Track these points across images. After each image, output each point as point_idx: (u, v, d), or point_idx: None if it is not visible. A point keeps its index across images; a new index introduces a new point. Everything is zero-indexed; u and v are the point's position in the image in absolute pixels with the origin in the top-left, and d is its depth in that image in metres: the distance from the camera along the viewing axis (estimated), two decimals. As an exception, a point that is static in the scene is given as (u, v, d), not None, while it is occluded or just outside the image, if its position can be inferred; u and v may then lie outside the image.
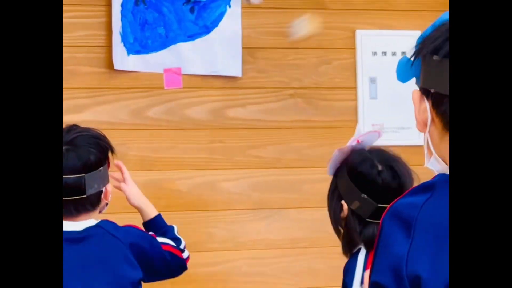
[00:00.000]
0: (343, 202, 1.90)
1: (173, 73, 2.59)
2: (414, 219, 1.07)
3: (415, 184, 1.90)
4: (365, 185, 1.87)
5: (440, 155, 1.13)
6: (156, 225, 2.20)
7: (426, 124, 1.14)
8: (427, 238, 1.08)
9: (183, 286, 2.39)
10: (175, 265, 2.16)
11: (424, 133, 1.16)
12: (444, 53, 1.12)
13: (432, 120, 1.12)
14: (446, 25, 1.13)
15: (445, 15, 1.14)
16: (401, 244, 1.07)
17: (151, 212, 2.21)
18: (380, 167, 1.89)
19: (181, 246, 2.21)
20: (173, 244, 2.17)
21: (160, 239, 2.13)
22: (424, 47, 1.15)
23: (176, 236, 2.21)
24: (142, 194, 2.22)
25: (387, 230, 1.10)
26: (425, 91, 1.14)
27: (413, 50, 1.18)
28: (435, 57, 1.12)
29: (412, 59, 1.19)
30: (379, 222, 1.14)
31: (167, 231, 2.20)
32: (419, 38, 1.17)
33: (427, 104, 1.13)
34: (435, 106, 1.12)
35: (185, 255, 2.20)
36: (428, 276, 1.04)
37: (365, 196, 1.85)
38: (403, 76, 1.23)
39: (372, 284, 1.09)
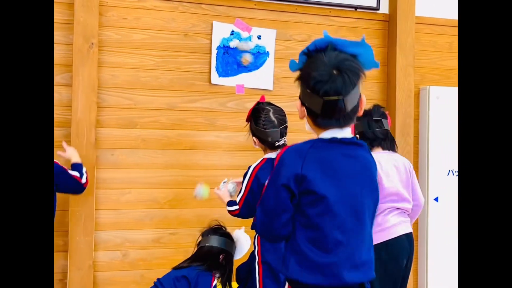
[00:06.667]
0: None
1: (240, 86, 3.53)
2: (305, 151, 1.55)
3: None
4: None
5: (310, 127, 1.68)
6: (74, 166, 2.94)
7: (304, 116, 1.68)
8: (312, 161, 1.55)
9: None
10: (76, 185, 2.81)
11: (303, 118, 1.72)
12: (320, 93, 1.50)
13: (307, 114, 1.65)
14: (330, 70, 1.46)
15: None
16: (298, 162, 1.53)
17: (76, 161, 2.96)
18: None
19: (82, 177, 2.86)
20: (77, 174, 2.84)
21: (72, 172, 2.83)
22: (307, 80, 1.52)
23: (82, 171, 2.87)
24: (75, 154, 2.95)
25: (287, 157, 1.56)
26: (302, 102, 1.65)
27: (303, 55, 1.57)
28: (308, 91, 1.54)
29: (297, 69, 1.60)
30: None
31: (78, 169, 2.89)
32: (311, 45, 1.59)
33: (304, 108, 1.64)
34: (307, 110, 1.64)
35: (83, 180, 2.84)
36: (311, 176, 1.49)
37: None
38: (292, 68, 1.70)
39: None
